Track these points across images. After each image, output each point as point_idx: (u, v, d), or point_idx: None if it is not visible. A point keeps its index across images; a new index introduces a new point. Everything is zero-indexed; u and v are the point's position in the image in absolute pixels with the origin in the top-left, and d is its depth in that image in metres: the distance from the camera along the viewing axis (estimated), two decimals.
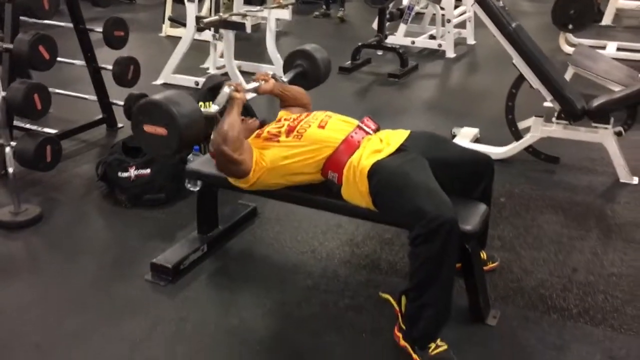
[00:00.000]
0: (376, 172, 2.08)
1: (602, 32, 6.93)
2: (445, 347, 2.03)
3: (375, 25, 6.17)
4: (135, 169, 3.04)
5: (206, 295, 2.42)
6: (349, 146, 2.19)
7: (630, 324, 2.26)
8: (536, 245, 2.77)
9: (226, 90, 2.26)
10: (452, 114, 4.52)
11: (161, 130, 1.99)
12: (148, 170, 3.05)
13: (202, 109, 2.15)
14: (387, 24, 5.99)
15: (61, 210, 3.03)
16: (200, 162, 2.60)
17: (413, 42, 6.29)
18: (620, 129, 3.40)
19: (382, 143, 2.21)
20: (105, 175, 3.09)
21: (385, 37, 5.70)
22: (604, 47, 6.55)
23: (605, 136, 3.39)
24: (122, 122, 3.99)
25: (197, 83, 4.90)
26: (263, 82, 2.50)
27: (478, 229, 2.12)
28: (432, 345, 2.03)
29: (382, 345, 2.14)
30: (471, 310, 2.26)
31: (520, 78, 3.55)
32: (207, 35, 5.27)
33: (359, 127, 2.27)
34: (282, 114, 2.55)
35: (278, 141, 2.27)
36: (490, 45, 6.71)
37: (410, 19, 6.37)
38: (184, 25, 5.11)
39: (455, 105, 4.79)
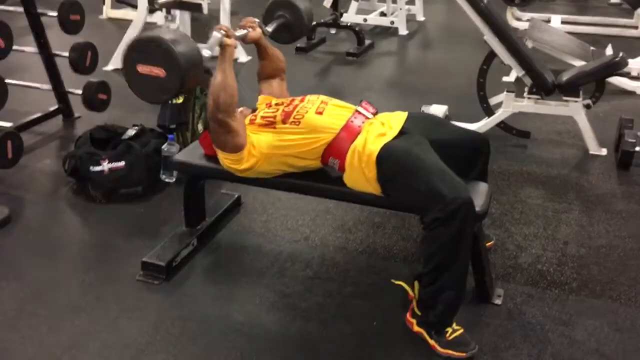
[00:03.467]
0: (385, 157, 2.03)
1: (544, 6, 7.07)
2: (461, 330, 2.02)
3: (327, 3, 6.06)
4: (108, 162, 2.87)
5: (204, 291, 2.32)
6: (350, 132, 2.13)
7: (628, 294, 2.32)
8: (524, 221, 2.80)
9: (217, 34, 2.08)
10: (416, 91, 4.51)
11: (158, 71, 1.84)
12: (122, 163, 2.88)
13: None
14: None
15: (31, 210, 2.84)
16: (186, 153, 2.47)
17: (365, 20, 6.20)
18: (589, 101, 3.47)
19: (384, 127, 2.15)
20: (75, 170, 2.90)
21: (341, 15, 5.62)
22: (548, 21, 6.70)
23: (575, 109, 3.45)
24: (79, 111, 3.77)
25: None
26: (251, 29, 2.37)
27: (487, 208, 2.11)
28: (449, 330, 2.01)
29: (395, 332, 2.11)
30: (477, 290, 2.26)
31: (491, 54, 3.56)
32: (157, 17, 5.04)
33: (357, 111, 2.20)
34: (263, 98, 2.45)
35: (274, 127, 2.18)
36: (439, 21, 6.79)
37: None
38: (133, 6, 4.86)
39: (418, 82, 4.79)
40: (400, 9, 6.14)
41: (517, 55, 3.41)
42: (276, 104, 2.29)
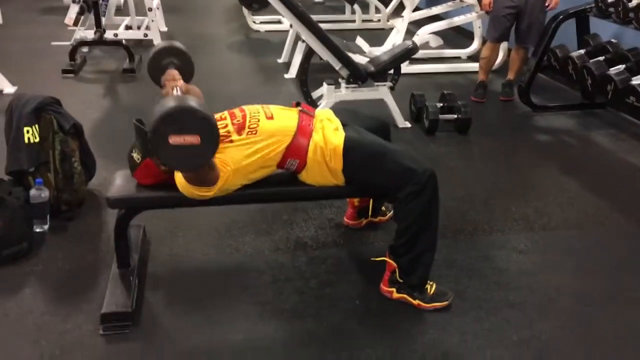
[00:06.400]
0: (351, 147, 2.22)
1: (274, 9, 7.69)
2: (434, 283, 2.33)
3: (68, 21, 5.69)
4: None
5: (184, 324, 2.19)
6: (304, 132, 2.26)
7: (508, 225, 2.91)
8: None
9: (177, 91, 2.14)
10: (221, 97, 4.54)
11: (192, 139, 1.79)
12: None
13: None
14: (81, 17, 5.63)
15: None
16: (119, 188, 2.26)
17: (116, 35, 5.99)
18: (391, 84, 4.07)
19: (332, 122, 2.33)
20: None
21: (104, 32, 5.34)
22: (279, 22, 7.35)
23: (384, 92, 4.02)
24: None
25: None
26: (180, 81, 2.34)
27: None
28: (428, 286, 2.31)
29: (378, 304, 2.33)
30: None
31: (310, 52, 3.90)
32: None
33: (302, 112, 2.33)
34: None
35: (231, 141, 2.19)
36: (182, 30, 6.88)
37: (105, 11, 6.03)
38: None
39: (214, 88, 4.80)
40: (152, 20, 6.08)
41: (334, 51, 3.81)
42: (221, 118, 2.28)
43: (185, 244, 2.68)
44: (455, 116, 4.00)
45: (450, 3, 5.79)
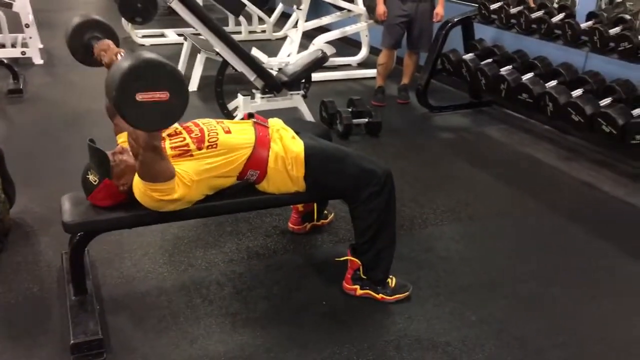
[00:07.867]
0: (312, 154, 2.29)
1: (155, 22, 7.53)
2: (394, 277, 2.46)
3: None
4: None
5: (162, 344, 2.13)
6: (263, 143, 2.29)
7: (440, 218, 3.12)
8: None
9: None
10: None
11: (161, 95, 1.70)
12: None
13: None
14: None
15: None
16: (74, 212, 2.15)
17: None
18: (303, 92, 4.17)
19: (287, 131, 2.38)
20: None
21: None
22: (163, 35, 7.25)
23: (298, 100, 4.11)
24: None
25: None
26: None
27: None
28: (389, 280, 2.43)
29: (345, 302, 2.41)
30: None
31: (224, 65, 3.90)
32: None
33: (257, 124, 2.36)
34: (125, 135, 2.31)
35: (192, 155, 2.17)
36: (59, 46, 6.49)
37: None
38: None
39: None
40: (31, 37, 5.73)
41: (248, 62, 3.84)
42: (170, 135, 2.24)
43: (135, 265, 2.59)
44: (366, 120, 4.19)
45: (338, 13, 6.03)
